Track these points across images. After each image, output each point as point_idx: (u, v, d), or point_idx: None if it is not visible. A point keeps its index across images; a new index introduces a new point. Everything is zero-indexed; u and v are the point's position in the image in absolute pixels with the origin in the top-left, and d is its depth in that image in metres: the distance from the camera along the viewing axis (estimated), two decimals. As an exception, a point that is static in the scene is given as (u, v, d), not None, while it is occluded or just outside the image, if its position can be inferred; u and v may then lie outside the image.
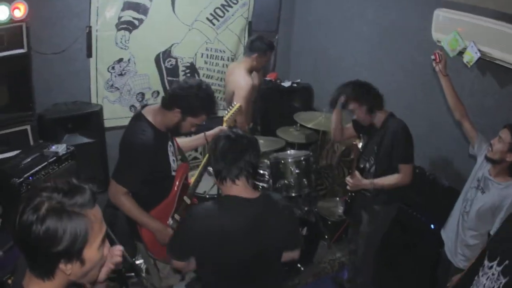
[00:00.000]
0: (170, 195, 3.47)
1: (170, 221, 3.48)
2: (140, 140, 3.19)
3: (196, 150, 5.84)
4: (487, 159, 3.45)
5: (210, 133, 3.82)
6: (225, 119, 3.91)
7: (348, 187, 4.03)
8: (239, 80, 4.74)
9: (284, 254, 2.83)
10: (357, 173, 3.93)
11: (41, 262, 1.58)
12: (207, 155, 3.65)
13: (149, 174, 3.28)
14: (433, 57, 3.80)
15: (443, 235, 3.87)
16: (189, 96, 3.22)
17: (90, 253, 1.62)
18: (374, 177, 3.90)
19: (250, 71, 4.86)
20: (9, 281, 2.85)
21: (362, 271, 4.42)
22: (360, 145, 4.04)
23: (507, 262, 2.41)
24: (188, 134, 3.70)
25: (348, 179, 3.99)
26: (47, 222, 1.50)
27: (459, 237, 3.63)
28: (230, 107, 3.98)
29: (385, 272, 4.68)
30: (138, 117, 3.32)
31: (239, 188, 2.60)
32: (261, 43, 4.86)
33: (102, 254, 1.69)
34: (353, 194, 4.15)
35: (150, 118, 3.28)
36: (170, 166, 3.47)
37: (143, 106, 3.44)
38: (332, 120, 4.35)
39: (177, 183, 3.48)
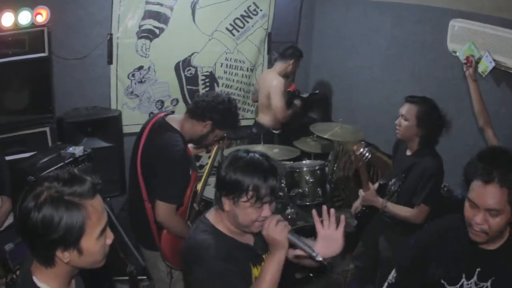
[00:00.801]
0: (184, 203, 3.45)
1: None
2: (179, 153, 3.20)
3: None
4: None
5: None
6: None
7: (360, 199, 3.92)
8: (272, 80, 5.29)
9: None
10: (371, 186, 3.78)
11: (39, 249, 1.61)
12: (210, 162, 3.71)
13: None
14: (464, 60, 3.87)
15: None
16: (223, 109, 3.24)
17: (88, 243, 1.63)
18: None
19: (282, 76, 5.30)
20: (17, 272, 2.90)
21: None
22: (361, 150, 3.70)
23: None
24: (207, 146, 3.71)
25: (361, 192, 3.87)
26: (44, 210, 1.54)
27: None
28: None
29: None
30: (166, 127, 3.30)
31: None
32: (296, 50, 5.47)
33: (102, 245, 1.70)
34: (366, 209, 4.03)
35: (177, 127, 3.30)
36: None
37: (166, 115, 3.45)
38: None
39: (188, 192, 3.43)
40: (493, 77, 4.16)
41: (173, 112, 5.38)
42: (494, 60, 3.88)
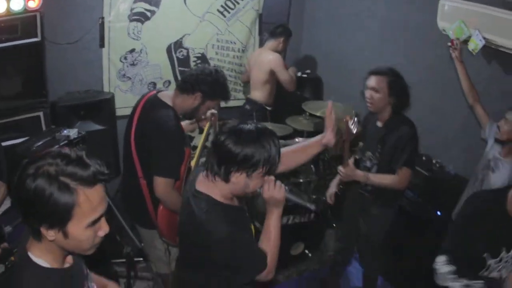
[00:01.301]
0: (180, 178, 3.50)
1: None
2: (173, 127, 3.29)
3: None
4: (496, 140, 3.69)
5: None
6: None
7: (340, 177, 3.85)
8: (268, 56, 5.53)
9: None
10: (350, 162, 3.73)
11: (29, 220, 1.63)
12: (202, 140, 3.78)
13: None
14: (449, 43, 3.99)
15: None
16: (212, 80, 3.33)
17: (76, 229, 1.64)
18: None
19: (276, 51, 5.52)
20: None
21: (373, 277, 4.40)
22: (351, 125, 3.68)
23: None
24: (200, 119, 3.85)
25: (341, 168, 3.77)
26: (38, 181, 1.55)
27: None
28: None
29: (392, 261, 4.74)
30: (159, 103, 3.37)
31: None
32: (286, 29, 5.67)
33: (92, 235, 1.70)
34: (343, 187, 4.08)
35: (169, 103, 3.37)
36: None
37: (158, 92, 3.51)
38: None
39: (182, 168, 3.48)
40: (483, 55, 4.24)
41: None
42: (484, 38, 3.95)
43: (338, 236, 4.79)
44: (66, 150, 1.69)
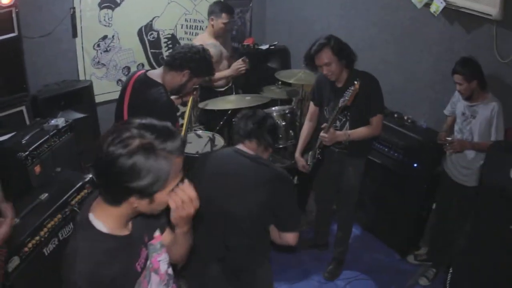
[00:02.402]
0: None
1: None
2: (168, 102, 3.48)
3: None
4: (465, 99, 4.01)
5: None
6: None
7: (323, 142, 3.98)
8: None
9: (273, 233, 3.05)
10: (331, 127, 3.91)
11: (114, 192, 1.70)
12: (188, 113, 4.09)
13: None
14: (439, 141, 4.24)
15: (447, 169, 4.32)
16: (199, 58, 3.51)
17: (162, 195, 1.72)
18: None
19: (214, 36, 5.21)
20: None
21: (349, 225, 4.63)
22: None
23: None
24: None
25: (323, 134, 3.91)
26: (135, 157, 1.59)
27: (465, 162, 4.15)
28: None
29: (375, 216, 5.02)
30: (150, 81, 3.53)
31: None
32: (214, 6, 5.20)
33: (169, 197, 1.79)
34: (321, 150, 4.21)
35: (159, 80, 3.53)
36: None
37: (146, 71, 3.67)
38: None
39: None
40: (445, 16, 4.45)
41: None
42: (445, 1, 4.21)
43: (315, 199, 4.98)
44: (152, 121, 1.73)
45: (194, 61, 3.48)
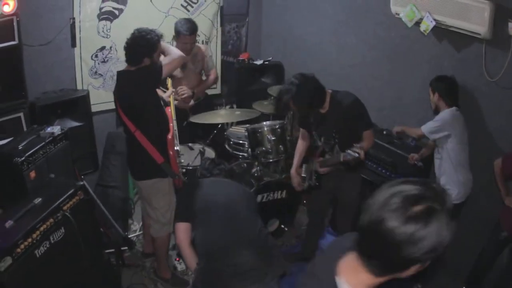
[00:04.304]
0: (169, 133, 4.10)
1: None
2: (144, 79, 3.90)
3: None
4: (434, 113, 4.31)
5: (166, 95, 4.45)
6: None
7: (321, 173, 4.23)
8: None
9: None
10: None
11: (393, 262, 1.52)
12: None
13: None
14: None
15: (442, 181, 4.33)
16: (145, 39, 3.88)
17: None
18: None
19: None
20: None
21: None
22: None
23: None
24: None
25: (321, 169, 4.20)
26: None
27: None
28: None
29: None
30: (124, 74, 4.02)
31: None
32: (177, 24, 5.19)
33: None
34: (318, 176, 4.35)
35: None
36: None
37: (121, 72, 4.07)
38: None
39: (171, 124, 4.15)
40: (434, 35, 4.55)
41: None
42: (435, 20, 4.30)
43: (308, 212, 5.07)
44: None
45: (144, 46, 3.84)
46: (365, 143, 3.95)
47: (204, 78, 5.69)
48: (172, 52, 4.17)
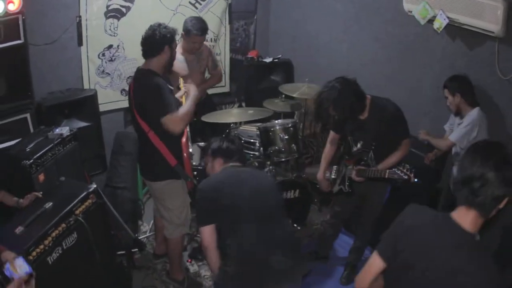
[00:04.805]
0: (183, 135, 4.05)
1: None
2: (154, 82, 3.74)
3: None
4: (455, 115, 4.25)
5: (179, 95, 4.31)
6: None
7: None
8: None
9: None
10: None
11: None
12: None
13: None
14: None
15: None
16: (166, 31, 3.83)
17: None
18: (376, 162, 3.93)
19: (185, 50, 5.18)
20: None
21: (367, 238, 4.59)
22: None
23: None
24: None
25: (357, 178, 3.99)
26: None
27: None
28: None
29: (375, 231, 4.97)
30: (142, 73, 3.88)
31: None
32: (187, 22, 5.08)
33: None
34: (350, 182, 4.19)
35: (150, 68, 3.83)
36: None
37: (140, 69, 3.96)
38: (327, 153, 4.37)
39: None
40: (448, 33, 4.49)
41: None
42: (448, 18, 4.23)
43: (332, 211, 4.81)
44: None
45: (163, 37, 3.79)
46: (400, 152, 3.89)
47: (207, 76, 5.61)
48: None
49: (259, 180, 3.49)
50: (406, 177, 3.49)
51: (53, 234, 3.14)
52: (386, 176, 3.64)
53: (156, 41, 3.79)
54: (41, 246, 3.03)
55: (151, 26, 3.89)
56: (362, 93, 3.76)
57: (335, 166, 4.33)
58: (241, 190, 3.31)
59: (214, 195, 3.30)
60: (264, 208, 3.30)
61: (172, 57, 3.94)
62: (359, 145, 4.02)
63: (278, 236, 3.26)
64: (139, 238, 4.90)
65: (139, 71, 3.92)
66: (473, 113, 4.08)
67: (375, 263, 2.42)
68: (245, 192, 3.31)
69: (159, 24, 3.86)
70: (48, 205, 3.30)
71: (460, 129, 4.13)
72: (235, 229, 3.23)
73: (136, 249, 4.74)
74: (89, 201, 3.52)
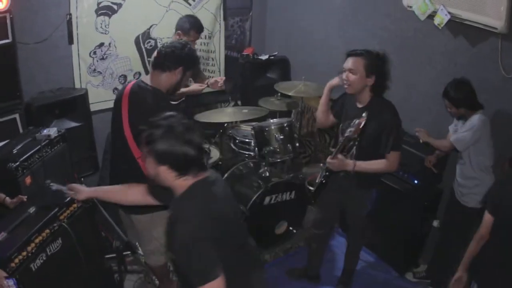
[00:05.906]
0: None
1: None
2: (164, 104, 3.44)
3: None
4: (458, 119, 4.18)
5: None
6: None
7: (328, 167, 3.81)
8: None
9: None
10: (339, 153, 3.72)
11: None
12: None
13: None
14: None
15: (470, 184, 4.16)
16: (188, 53, 3.52)
17: None
18: (356, 160, 3.75)
19: None
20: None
21: (359, 244, 4.52)
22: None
23: None
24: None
25: (330, 160, 3.74)
26: None
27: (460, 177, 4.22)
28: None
29: (373, 233, 4.90)
30: (147, 89, 3.50)
31: None
32: (184, 21, 5.01)
33: None
34: (328, 174, 3.96)
35: (155, 85, 3.51)
36: None
37: (138, 79, 3.70)
38: (321, 102, 4.12)
39: None
40: (449, 29, 4.39)
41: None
42: (449, 13, 4.16)
43: (313, 222, 4.59)
44: None
45: (184, 57, 3.50)
46: (385, 164, 3.72)
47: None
48: None
49: (228, 191, 2.77)
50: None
51: (36, 240, 3.05)
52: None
53: (176, 55, 3.47)
54: (24, 253, 2.95)
55: (182, 40, 3.76)
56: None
57: (322, 165, 4.18)
58: (228, 214, 2.64)
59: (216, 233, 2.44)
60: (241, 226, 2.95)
61: (180, 83, 3.62)
62: (345, 134, 3.71)
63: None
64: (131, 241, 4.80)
65: (142, 88, 3.51)
66: (474, 120, 3.95)
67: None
68: (231, 214, 2.70)
69: (190, 44, 3.65)
70: (32, 209, 3.20)
71: (461, 134, 4.03)
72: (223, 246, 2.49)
73: (128, 252, 4.64)
74: (74, 205, 3.42)
